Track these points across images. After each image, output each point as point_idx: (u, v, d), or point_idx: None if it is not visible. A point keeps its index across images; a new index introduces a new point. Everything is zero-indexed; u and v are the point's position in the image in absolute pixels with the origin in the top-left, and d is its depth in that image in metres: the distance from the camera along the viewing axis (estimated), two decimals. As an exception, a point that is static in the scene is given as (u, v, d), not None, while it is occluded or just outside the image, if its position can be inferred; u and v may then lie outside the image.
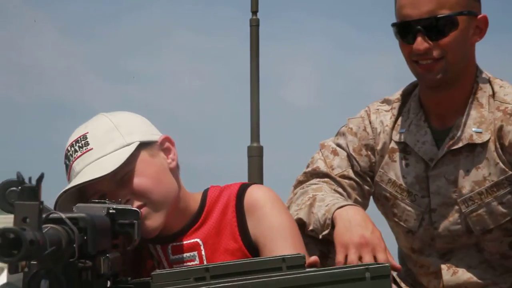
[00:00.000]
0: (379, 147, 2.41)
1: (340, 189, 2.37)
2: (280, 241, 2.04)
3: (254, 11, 11.36)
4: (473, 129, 2.28)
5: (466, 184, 2.28)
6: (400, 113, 2.42)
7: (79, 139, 2.01)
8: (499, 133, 2.25)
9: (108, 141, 1.99)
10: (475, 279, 2.33)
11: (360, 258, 2.02)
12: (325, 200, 2.22)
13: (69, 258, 1.39)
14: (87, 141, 2.00)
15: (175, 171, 2.09)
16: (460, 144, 2.28)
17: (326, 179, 2.40)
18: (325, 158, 2.44)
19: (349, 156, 2.42)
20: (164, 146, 2.08)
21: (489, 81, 2.34)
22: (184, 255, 2.08)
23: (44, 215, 1.32)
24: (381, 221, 2.43)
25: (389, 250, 2.08)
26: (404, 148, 2.38)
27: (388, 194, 2.40)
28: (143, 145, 2.02)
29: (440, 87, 2.28)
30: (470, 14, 2.24)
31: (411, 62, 2.27)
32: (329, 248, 2.22)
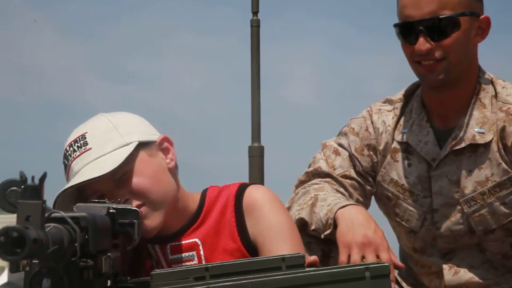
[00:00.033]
0: (381, 147, 2.45)
1: (341, 189, 2.41)
2: (278, 241, 2.07)
3: (255, 12, 11.55)
4: (476, 129, 2.31)
5: (469, 184, 2.31)
6: (402, 113, 2.46)
7: (78, 139, 2.05)
8: (502, 133, 2.29)
9: (107, 141, 2.03)
10: (476, 279, 2.36)
11: (363, 258, 2.05)
12: (327, 200, 2.26)
13: (71, 257, 1.42)
14: (86, 141, 2.03)
15: (173, 171, 2.13)
16: (463, 145, 2.32)
17: (328, 179, 2.43)
18: (327, 158, 2.47)
19: (351, 156, 2.46)
20: (163, 146, 2.12)
21: (491, 82, 2.37)
22: (183, 255, 2.12)
23: (46, 214, 1.34)
24: (382, 220, 2.47)
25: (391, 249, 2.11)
26: (406, 148, 2.41)
27: (390, 194, 2.44)
28: (142, 145, 2.06)
29: (442, 87, 2.31)
30: (472, 14, 2.27)
31: (413, 63, 2.30)
32: (330, 247, 2.27)
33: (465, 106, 2.35)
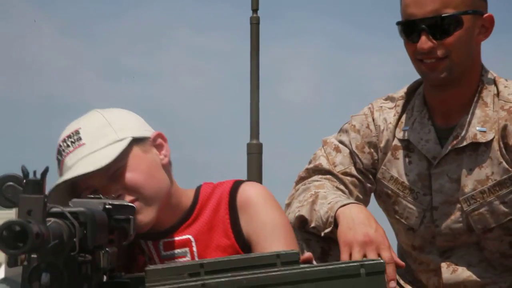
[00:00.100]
0: (382, 145, 2.54)
1: (342, 186, 2.50)
2: (272, 238, 2.16)
3: (255, 9, 11.90)
4: (477, 128, 2.40)
5: (469, 182, 2.40)
6: (404, 110, 2.55)
7: (71, 134, 2.13)
8: (503, 132, 2.38)
9: (101, 136, 2.11)
10: (474, 277, 2.45)
11: (364, 257, 2.14)
12: (327, 198, 2.34)
13: (70, 251, 1.50)
14: (80, 136, 2.11)
15: (167, 167, 2.22)
16: (464, 143, 2.41)
17: (328, 176, 2.53)
18: (327, 154, 2.57)
19: (351, 153, 2.56)
20: (157, 142, 2.21)
21: (494, 81, 2.46)
22: (176, 251, 2.20)
23: (45, 209, 1.42)
24: (381, 217, 2.55)
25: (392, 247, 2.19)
26: (407, 146, 2.50)
27: (390, 192, 2.53)
28: (136, 141, 2.15)
29: (444, 85, 2.40)
30: (476, 13, 2.36)
31: (415, 61, 2.40)
32: (330, 245, 2.37)
33: (467, 104, 2.44)
